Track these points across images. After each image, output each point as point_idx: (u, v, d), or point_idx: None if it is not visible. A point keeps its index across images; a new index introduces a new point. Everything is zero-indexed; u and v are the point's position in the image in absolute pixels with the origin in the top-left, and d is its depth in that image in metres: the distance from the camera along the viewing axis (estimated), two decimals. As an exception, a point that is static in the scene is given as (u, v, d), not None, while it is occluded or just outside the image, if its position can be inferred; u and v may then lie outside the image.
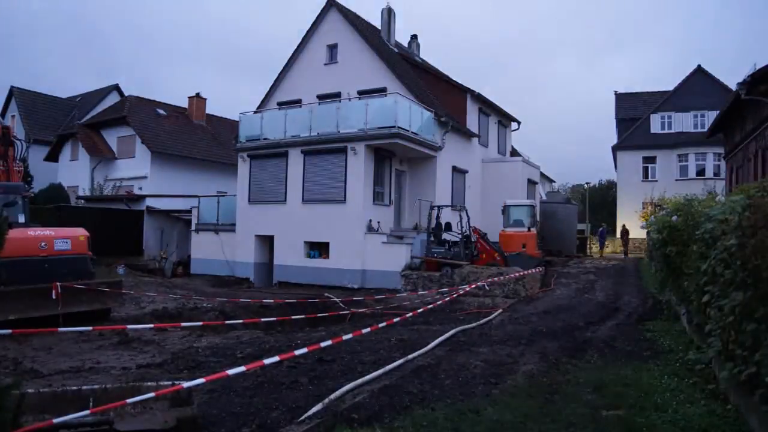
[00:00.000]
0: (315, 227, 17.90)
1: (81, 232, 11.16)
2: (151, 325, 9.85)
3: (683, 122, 34.16)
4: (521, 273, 15.05)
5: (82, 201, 26.99)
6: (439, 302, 12.42)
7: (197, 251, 21.50)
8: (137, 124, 27.89)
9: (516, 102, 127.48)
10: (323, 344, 6.48)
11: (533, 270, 15.80)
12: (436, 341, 7.95)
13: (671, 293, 10.10)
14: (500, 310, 11.71)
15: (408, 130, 17.50)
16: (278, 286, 18.45)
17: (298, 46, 23.18)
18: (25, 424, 3.34)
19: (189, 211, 22.66)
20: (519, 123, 27.74)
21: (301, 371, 6.38)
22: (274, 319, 10.61)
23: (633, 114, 37.09)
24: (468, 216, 17.40)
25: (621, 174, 35.78)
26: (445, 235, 17.63)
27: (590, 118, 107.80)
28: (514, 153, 29.23)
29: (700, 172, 32.47)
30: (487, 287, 14.13)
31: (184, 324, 10.05)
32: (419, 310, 10.47)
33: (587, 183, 32.61)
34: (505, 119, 27.12)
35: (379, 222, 17.57)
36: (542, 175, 35.10)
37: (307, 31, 22.97)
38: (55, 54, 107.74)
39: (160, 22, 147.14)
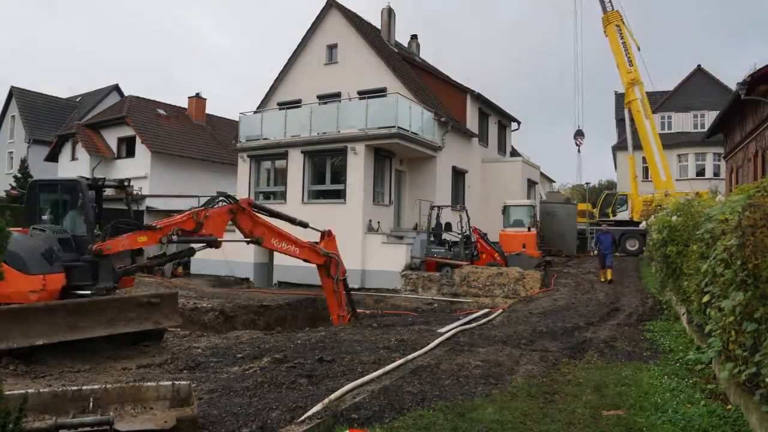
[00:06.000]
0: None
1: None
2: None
3: (683, 122, 34.17)
4: (521, 273, 15.05)
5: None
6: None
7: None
8: (137, 124, 27.89)
9: (516, 101, 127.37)
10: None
11: (533, 270, 15.80)
12: (436, 341, 7.95)
13: (671, 293, 10.11)
14: (500, 310, 11.71)
15: (408, 130, 17.49)
16: (278, 286, 18.44)
17: (298, 46, 23.18)
18: (25, 424, 3.34)
19: (189, 211, 22.64)
20: (519, 123, 27.75)
21: (301, 371, 6.38)
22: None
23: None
24: (468, 216, 17.39)
25: (621, 174, 35.78)
26: (445, 235, 17.63)
27: (591, 117, 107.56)
28: (514, 153, 29.23)
29: (700, 172, 32.48)
30: (480, 286, 14.14)
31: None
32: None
33: (587, 183, 32.58)
34: (505, 119, 27.12)
35: (379, 222, 17.56)
36: (542, 175, 35.09)
37: (307, 31, 22.97)
38: (56, 53, 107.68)
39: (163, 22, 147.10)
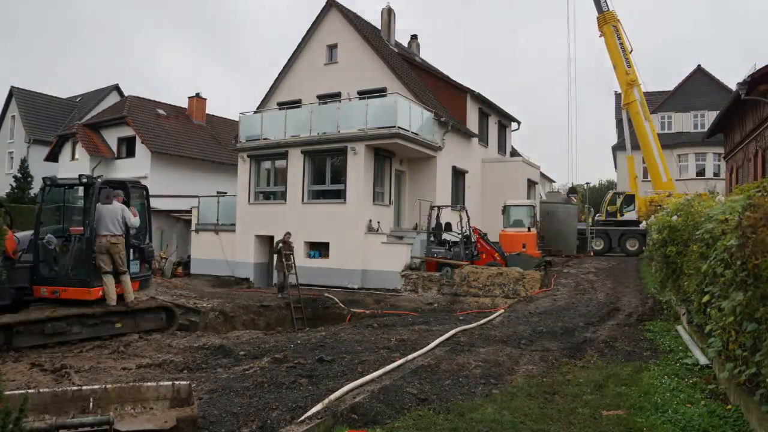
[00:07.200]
0: (315, 227, 17.90)
1: None
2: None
3: (683, 122, 34.20)
4: (521, 273, 15.05)
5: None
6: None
7: (197, 251, 21.50)
8: (137, 124, 27.87)
9: (516, 101, 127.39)
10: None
11: (533, 270, 15.79)
12: (436, 341, 7.95)
13: (671, 293, 10.10)
14: (500, 310, 11.71)
15: (408, 130, 17.48)
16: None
17: (298, 46, 23.17)
18: (25, 424, 3.34)
19: (189, 211, 22.64)
20: (519, 123, 27.75)
21: (301, 371, 6.38)
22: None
23: (633, 114, 37.08)
24: (468, 216, 17.39)
25: (621, 174, 35.79)
26: (445, 235, 17.63)
27: (591, 117, 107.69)
28: (514, 153, 29.21)
29: (700, 172, 32.51)
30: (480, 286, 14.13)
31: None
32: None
33: (587, 183, 32.59)
34: (505, 119, 27.12)
35: (379, 222, 17.56)
36: (542, 175, 35.10)
37: (307, 31, 22.96)
38: (56, 53, 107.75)
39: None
